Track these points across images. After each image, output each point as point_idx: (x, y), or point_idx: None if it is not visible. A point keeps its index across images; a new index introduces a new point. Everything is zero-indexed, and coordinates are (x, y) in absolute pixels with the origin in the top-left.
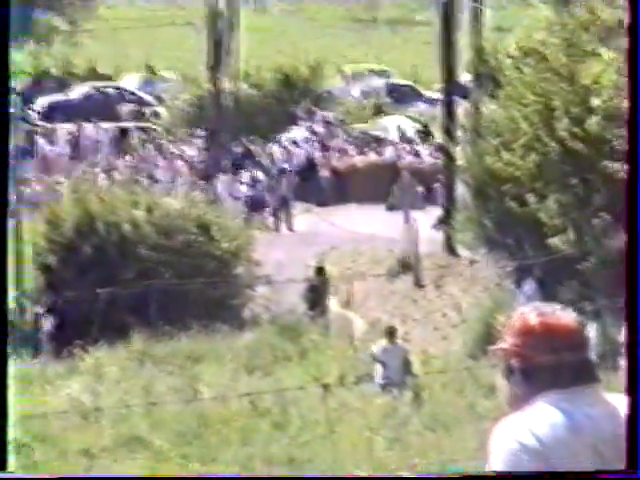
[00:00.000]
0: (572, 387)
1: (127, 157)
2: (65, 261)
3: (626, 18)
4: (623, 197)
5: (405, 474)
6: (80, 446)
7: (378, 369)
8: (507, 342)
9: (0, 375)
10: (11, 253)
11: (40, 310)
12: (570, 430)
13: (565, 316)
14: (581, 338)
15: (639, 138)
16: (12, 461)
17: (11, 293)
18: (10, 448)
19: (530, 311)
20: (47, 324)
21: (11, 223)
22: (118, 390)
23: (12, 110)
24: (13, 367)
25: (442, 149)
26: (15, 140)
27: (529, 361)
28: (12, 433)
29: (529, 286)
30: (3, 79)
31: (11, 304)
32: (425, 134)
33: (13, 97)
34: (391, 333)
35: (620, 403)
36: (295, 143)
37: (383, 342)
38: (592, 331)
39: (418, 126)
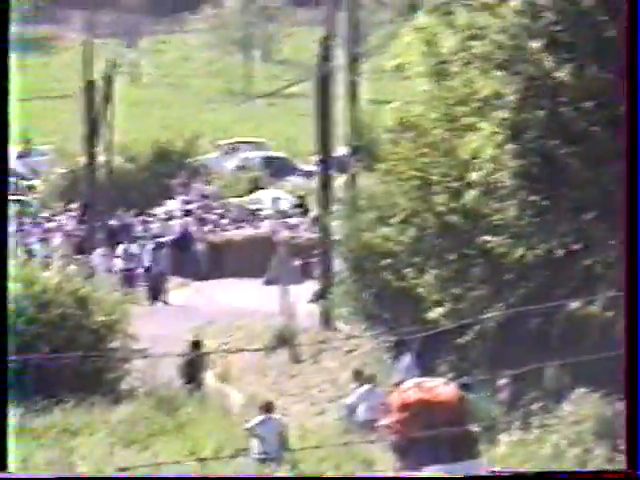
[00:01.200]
0: (452, 462)
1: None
2: None
3: (503, 90)
4: (503, 274)
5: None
6: None
7: (254, 443)
8: (388, 418)
9: (1, 378)
10: None
11: None
12: None
13: (444, 391)
14: (461, 413)
15: (639, 140)
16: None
17: None
18: None
19: (409, 387)
20: None
21: None
22: None
23: None
24: None
25: (318, 223)
26: None
27: (409, 437)
28: None
29: (406, 360)
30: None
31: None
32: (301, 207)
33: None
34: (267, 407)
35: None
36: (171, 217)
37: (259, 416)
38: (471, 405)
39: (294, 199)
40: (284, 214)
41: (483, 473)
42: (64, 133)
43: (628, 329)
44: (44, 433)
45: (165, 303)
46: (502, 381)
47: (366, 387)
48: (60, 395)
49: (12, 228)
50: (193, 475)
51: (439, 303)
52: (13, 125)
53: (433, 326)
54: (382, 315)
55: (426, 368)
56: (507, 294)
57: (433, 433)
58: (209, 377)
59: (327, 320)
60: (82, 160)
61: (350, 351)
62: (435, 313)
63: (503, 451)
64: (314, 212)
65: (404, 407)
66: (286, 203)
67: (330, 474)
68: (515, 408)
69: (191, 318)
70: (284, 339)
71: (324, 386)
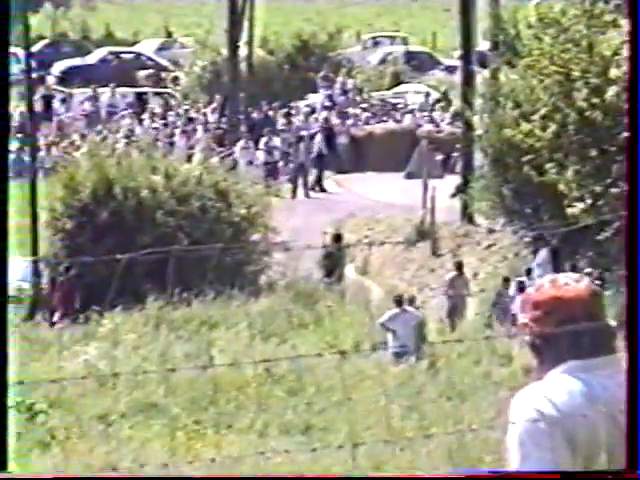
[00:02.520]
0: (589, 357)
1: (145, 122)
2: (82, 226)
3: None
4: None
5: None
6: (96, 412)
7: (389, 337)
8: (525, 315)
9: (1, 374)
10: (27, 217)
11: (57, 275)
12: (588, 399)
13: (578, 287)
14: (597, 308)
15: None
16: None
17: (28, 258)
18: (27, 414)
19: (543, 284)
20: (64, 289)
21: (27, 187)
22: (134, 356)
23: (33, 74)
24: (31, 332)
25: (460, 117)
26: (32, 104)
27: (546, 333)
28: (29, 398)
29: (541, 256)
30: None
31: (27, 268)
32: (443, 102)
33: (31, 61)
34: (401, 301)
35: None
36: (313, 110)
37: (392, 310)
38: (606, 300)
39: (436, 94)
40: (426, 108)
41: (485, 470)
42: (207, 26)
43: (629, 329)
44: (184, 325)
45: (306, 196)
46: None
47: (520, 279)
48: (200, 287)
49: (153, 124)
50: (212, 475)
51: (579, 199)
52: (156, 17)
53: (573, 222)
54: (522, 210)
55: (564, 264)
56: None
57: (567, 329)
58: (349, 270)
59: (467, 214)
60: (224, 53)
61: (490, 245)
62: (575, 209)
63: None
64: (456, 107)
65: (538, 304)
66: (428, 97)
67: (469, 368)
68: None
69: (332, 211)
70: (424, 233)
71: None
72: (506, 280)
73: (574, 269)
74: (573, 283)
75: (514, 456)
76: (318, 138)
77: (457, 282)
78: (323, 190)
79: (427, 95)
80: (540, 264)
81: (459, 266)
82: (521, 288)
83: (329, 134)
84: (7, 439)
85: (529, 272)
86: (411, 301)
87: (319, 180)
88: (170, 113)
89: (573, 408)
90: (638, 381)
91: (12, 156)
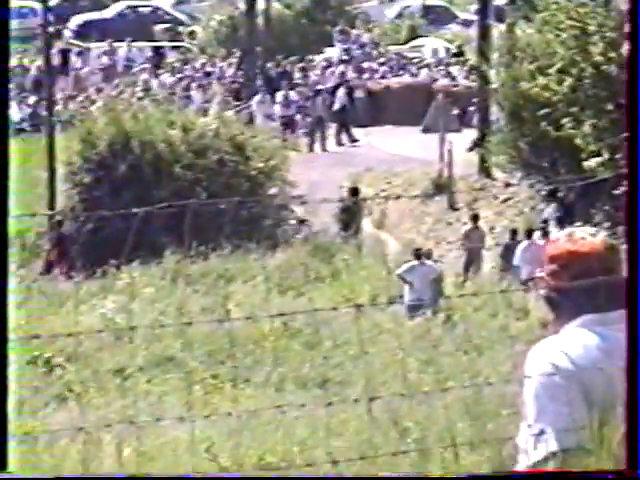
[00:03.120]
0: (605, 311)
1: (162, 76)
2: (100, 179)
3: None
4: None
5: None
6: (113, 366)
7: (406, 289)
8: (541, 269)
9: (1, 376)
10: (45, 171)
11: (74, 229)
12: (603, 352)
13: (596, 240)
14: (613, 262)
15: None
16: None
17: (45, 211)
18: (44, 368)
19: (559, 238)
20: (81, 242)
21: (45, 141)
22: (151, 309)
23: (50, 29)
24: (47, 285)
25: (477, 72)
26: (49, 58)
27: (562, 286)
28: (47, 352)
29: (549, 211)
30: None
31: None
32: (460, 56)
33: (48, 15)
34: (420, 254)
35: None
36: (330, 64)
37: (409, 263)
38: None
39: (453, 48)
40: (443, 62)
41: (484, 473)
42: None
43: (629, 327)
44: (201, 279)
45: (324, 150)
46: None
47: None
48: (217, 241)
49: (170, 78)
50: (211, 475)
51: (596, 153)
52: None
53: (590, 175)
54: (539, 164)
55: (579, 217)
56: None
57: (583, 283)
58: (366, 224)
59: (484, 168)
60: (241, 6)
61: (507, 199)
62: (592, 162)
63: None
64: (472, 61)
65: (554, 258)
66: (445, 51)
67: (485, 322)
68: None
69: (349, 165)
70: (441, 186)
71: None
72: (514, 232)
73: (591, 223)
74: (589, 237)
75: (530, 410)
76: (340, 92)
77: (473, 234)
78: (354, 140)
79: (444, 49)
80: (548, 219)
81: (475, 218)
82: (529, 235)
83: (348, 88)
84: (7, 439)
85: (545, 222)
86: (428, 255)
87: (348, 132)
88: (187, 67)
89: (589, 361)
90: (638, 381)
91: (29, 110)
